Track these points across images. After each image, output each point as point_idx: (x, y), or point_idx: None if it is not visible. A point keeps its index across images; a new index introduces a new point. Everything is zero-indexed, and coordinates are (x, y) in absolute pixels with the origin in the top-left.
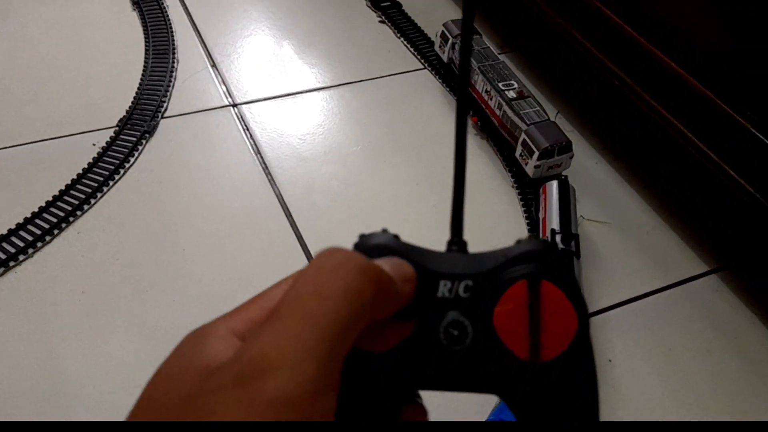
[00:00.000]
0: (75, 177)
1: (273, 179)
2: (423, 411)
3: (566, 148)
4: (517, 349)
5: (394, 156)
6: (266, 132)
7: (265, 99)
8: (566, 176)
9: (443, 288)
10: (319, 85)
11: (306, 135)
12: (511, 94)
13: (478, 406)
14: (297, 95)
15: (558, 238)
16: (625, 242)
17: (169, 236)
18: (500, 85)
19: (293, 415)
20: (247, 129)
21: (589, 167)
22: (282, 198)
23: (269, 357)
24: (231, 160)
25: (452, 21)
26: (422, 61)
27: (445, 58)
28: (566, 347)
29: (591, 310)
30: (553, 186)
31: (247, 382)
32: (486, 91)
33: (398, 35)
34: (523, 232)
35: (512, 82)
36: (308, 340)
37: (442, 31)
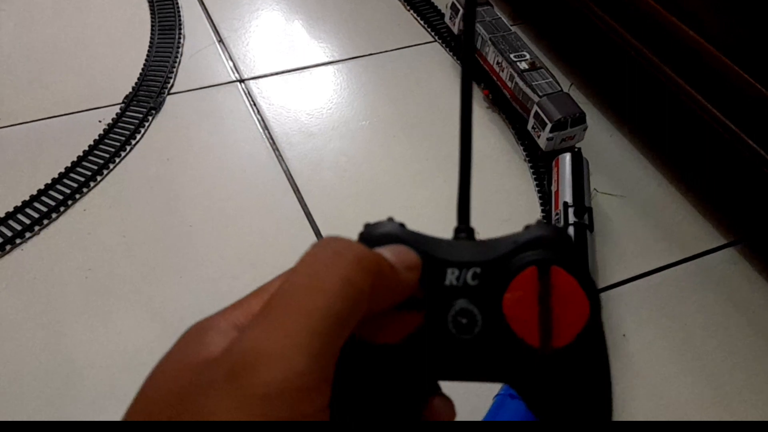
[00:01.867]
0: (81, 154)
1: (281, 155)
2: (449, 403)
3: (580, 119)
4: (528, 336)
5: (403, 131)
6: (274, 107)
7: (272, 74)
8: (579, 149)
9: (451, 276)
10: (327, 60)
11: (314, 110)
12: (523, 65)
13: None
14: (305, 70)
15: (571, 211)
16: (639, 216)
17: (176, 214)
18: (512, 56)
19: (285, 409)
20: (255, 104)
21: (603, 140)
22: (290, 174)
23: (260, 350)
24: (238, 136)
25: None
26: (432, 33)
27: (455, 30)
28: (577, 335)
29: (604, 284)
30: (566, 158)
31: (238, 375)
32: (497, 63)
33: (407, 8)
34: (535, 207)
35: (524, 53)
36: (299, 333)
37: (453, 2)
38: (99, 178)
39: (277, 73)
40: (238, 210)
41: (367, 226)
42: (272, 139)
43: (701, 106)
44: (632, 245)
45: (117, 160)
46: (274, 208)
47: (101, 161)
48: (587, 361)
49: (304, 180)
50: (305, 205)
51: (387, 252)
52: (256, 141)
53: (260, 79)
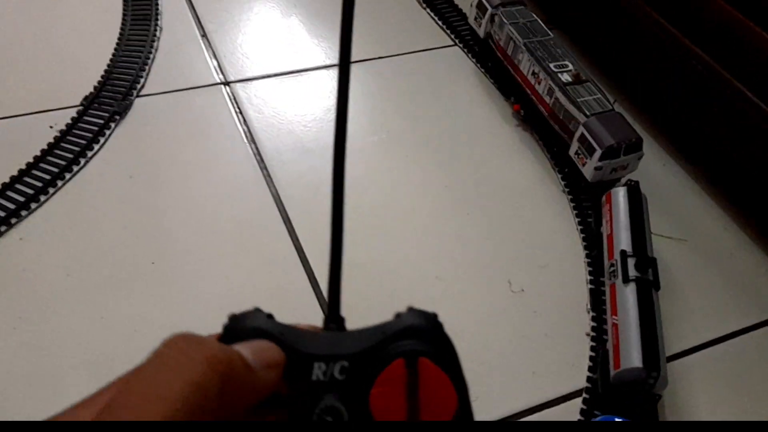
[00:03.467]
0: (23, 167)
1: (269, 175)
2: None
3: (635, 146)
4: None
5: (418, 150)
6: (263, 117)
7: (263, 77)
8: (637, 182)
9: (318, 371)
10: (328, 62)
11: (311, 121)
12: (566, 77)
13: None
14: (302, 73)
15: (631, 263)
16: (704, 265)
17: (137, 245)
18: (552, 66)
19: None
20: (241, 113)
21: (655, 171)
22: (279, 199)
23: None
24: (219, 149)
25: None
26: (453, 36)
27: (481, 33)
28: None
29: (670, 353)
30: (620, 194)
31: None
32: (533, 73)
33: (424, 6)
34: (578, 250)
35: (567, 62)
36: None
37: (479, 1)
38: (43, 198)
39: (268, 76)
40: (215, 244)
41: (232, 318)
42: (260, 155)
43: None
44: (700, 302)
45: (67, 175)
46: (257, 242)
47: (47, 177)
48: None
49: (297, 208)
50: (297, 238)
51: (246, 349)
52: (241, 156)
53: (249, 83)
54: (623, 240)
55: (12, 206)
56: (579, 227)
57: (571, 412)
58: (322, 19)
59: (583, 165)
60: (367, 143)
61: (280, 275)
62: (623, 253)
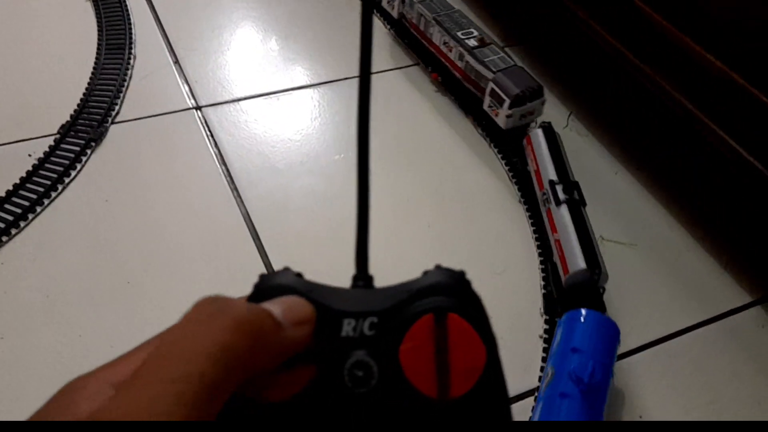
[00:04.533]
0: (2, 195)
1: (239, 195)
2: None
3: (538, 93)
4: (425, 387)
5: (382, 167)
6: (234, 139)
7: (233, 100)
8: (549, 123)
9: (347, 327)
10: (296, 84)
11: (279, 142)
12: (472, 42)
13: None
14: (271, 96)
15: (559, 188)
16: (653, 268)
17: (112, 267)
18: (459, 34)
19: None
20: (212, 135)
21: (608, 179)
22: (249, 219)
23: (124, 418)
24: (191, 172)
25: None
26: (416, 55)
27: (395, 14)
28: (474, 383)
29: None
30: (539, 134)
31: None
32: (444, 43)
33: (388, 27)
34: (509, 189)
35: (471, 30)
36: (165, 401)
37: None
38: (22, 224)
39: (238, 99)
40: (187, 262)
41: (262, 277)
42: (231, 176)
43: (723, 140)
44: (647, 303)
45: (45, 201)
46: (227, 261)
47: (26, 203)
48: (486, 411)
49: (266, 225)
50: (266, 255)
51: (275, 307)
52: (213, 178)
53: (219, 107)
54: (549, 171)
55: None
56: (506, 167)
57: (524, 411)
58: (292, 42)
59: (497, 116)
60: (331, 162)
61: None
62: (551, 182)
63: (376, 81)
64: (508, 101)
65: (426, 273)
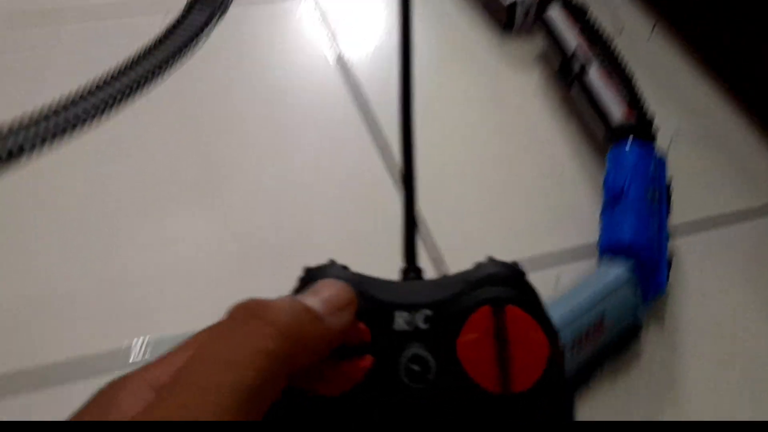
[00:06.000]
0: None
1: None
2: None
3: None
4: (486, 382)
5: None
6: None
7: None
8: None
9: (400, 320)
10: None
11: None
12: None
13: None
14: None
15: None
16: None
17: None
18: None
19: None
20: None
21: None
22: (375, 122)
23: None
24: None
25: None
26: None
27: None
28: (539, 377)
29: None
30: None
31: None
32: None
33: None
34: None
35: None
36: (207, 409)
37: None
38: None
39: None
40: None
41: (307, 271)
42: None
43: None
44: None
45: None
46: (350, 163)
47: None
48: (550, 407)
49: (390, 123)
50: (391, 157)
51: (313, 298)
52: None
53: None
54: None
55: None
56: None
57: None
58: None
59: None
60: None
61: (372, 194)
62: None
63: None
64: None
65: (479, 264)
